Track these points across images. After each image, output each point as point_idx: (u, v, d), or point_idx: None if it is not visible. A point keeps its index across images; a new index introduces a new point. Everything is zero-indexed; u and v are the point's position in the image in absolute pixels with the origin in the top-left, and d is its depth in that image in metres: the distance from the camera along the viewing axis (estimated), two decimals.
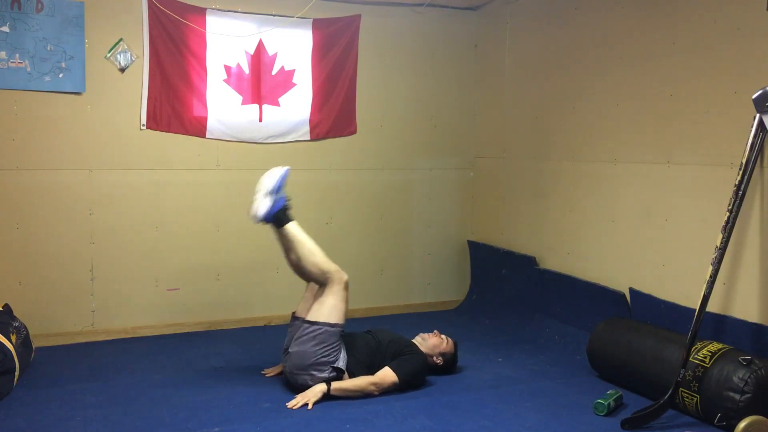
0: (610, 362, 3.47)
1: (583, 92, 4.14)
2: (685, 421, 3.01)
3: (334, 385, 3.22)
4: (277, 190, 3.37)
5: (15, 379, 3.32)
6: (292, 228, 3.39)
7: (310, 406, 3.12)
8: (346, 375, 3.30)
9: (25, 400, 3.19)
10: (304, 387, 3.26)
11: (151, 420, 2.99)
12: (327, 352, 3.25)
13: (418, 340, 3.59)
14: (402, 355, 3.40)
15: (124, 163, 4.30)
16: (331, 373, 3.26)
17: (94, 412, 3.08)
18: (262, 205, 3.33)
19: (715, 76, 3.28)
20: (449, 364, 3.63)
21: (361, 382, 3.26)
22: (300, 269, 3.46)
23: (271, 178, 3.38)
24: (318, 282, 3.40)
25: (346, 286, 3.36)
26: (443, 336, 3.66)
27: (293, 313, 3.48)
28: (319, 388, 3.19)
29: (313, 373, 3.24)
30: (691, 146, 3.42)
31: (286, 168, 3.43)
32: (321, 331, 3.26)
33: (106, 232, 4.28)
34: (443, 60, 5.10)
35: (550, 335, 4.24)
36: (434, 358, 3.56)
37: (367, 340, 3.46)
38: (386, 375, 3.30)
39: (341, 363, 3.29)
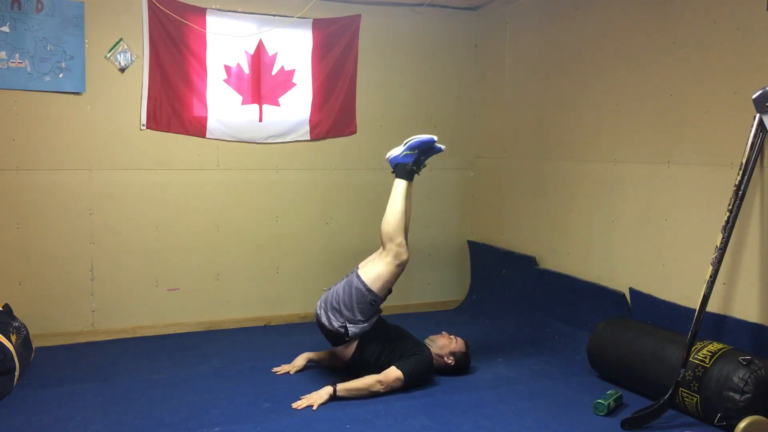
0: (610, 362, 3.47)
1: (583, 92, 4.14)
2: (685, 421, 3.01)
3: (340, 386, 3.22)
4: (411, 147, 3.52)
5: (15, 379, 3.32)
6: (400, 184, 3.48)
7: (314, 408, 3.12)
8: (353, 346, 3.35)
9: (25, 400, 3.20)
10: (320, 326, 3.40)
11: (151, 420, 2.99)
12: (351, 308, 3.31)
13: (427, 342, 3.60)
14: (409, 354, 3.41)
15: (124, 163, 4.30)
16: (340, 327, 3.32)
17: (94, 412, 3.08)
18: (396, 150, 3.55)
19: (715, 76, 3.28)
20: (461, 364, 3.62)
21: (367, 380, 3.28)
22: (383, 220, 3.51)
23: (425, 136, 3.54)
24: (382, 241, 3.44)
25: (401, 264, 3.38)
26: (452, 336, 3.66)
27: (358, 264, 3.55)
28: (325, 391, 3.20)
29: (329, 314, 3.35)
30: (691, 146, 3.42)
31: (432, 136, 3.56)
32: (359, 288, 3.33)
33: (106, 232, 4.28)
34: (443, 60, 5.10)
35: (550, 335, 4.24)
36: (445, 359, 3.56)
37: (389, 336, 3.48)
38: (391, 372, 3.31)
39: (354, 329, 3.33)
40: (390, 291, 3.44)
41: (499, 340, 4.32)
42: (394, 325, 3.62)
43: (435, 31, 5.04)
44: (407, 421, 3.02)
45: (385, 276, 3.35)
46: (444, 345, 3.59)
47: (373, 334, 3.41)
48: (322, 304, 3.41)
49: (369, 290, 3.32)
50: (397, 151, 3.55)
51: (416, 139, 3.54)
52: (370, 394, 3.25)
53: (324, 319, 3.36)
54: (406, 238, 3.43)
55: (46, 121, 4.09)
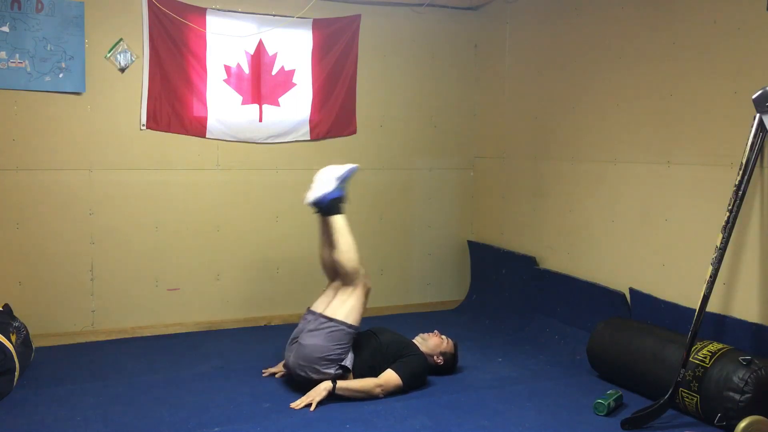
0: (610, 362, 3.47)
1: (583, 92, 4.14)
2: (685, 421, 3.01)
3: (340, 383, 3.21)
4: (339, 182, 3.46)
5: (15, 379, 3.32)
6: (341, 219, 3.44)
7: (313, 407, 3.12)
8: (350, 375, 3.31)
9: (25, 400, 3.19)
10: (305, 381, 3.26)
11: (151, 420, 2.99)
12: (336, 350, 3.25)
13: (418, 340, 3.60)
14: (403, 356, 3.40)
15: (124, 163, 4.30)
16: (337, 370, 3.26)
17: (94, 412, 3.08)
18: (325, 186, 3.42)
19: (715, 76, 3.28)
20: (450, 364, 3.63)
21: (367, 383, 3.26)
22: (331, 264, 3.49)
23: (337, 169, 3.48)
24: (344, 279, 3.41)
25: (368, 293, 3.41)
26: (443, 336, 3.66)
27: (308, 308, 3.48)
28: (324, 386, 3.18)
29: (318, 368, 3.24)
30: (691, 146, 3.42)
31: (355, 165, 3.53)
32: (337, 329, 3.27)
33: (106, 232, 4.28)
34: (443, 60, 5.10)
35: (550, 335, 4.24)
36: (435, 358, 3.56)
37: (368, 339, 3.46)
38: (390, 377, 3.30)
39: (348, 362, 3.29)
40: None
41: (499, 340, 4.32)
42: (365, 331, 3.56)
43: (435, 31, 5.04)
44: (407, 421, 3.02)
45: (358, 307, 3.35)
46: (436, 345, 3.59)
47: (359, 349, 3.39)
48: (301, 365, 3.26)
49: (350, 326, 3.30)
50: (326, 188, 3.42)
51: (345, 171, 3.48)
52: (368, 397, 3.24)
53: (316, 376, 3.24)
54: None
55: (46, 121, 4.09)
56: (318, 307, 3.42)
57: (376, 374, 3.32)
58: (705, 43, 3.33)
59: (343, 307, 3.33)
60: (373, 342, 3.44)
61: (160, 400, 3.22)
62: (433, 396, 3.33)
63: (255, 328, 4.59)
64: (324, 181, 3.45)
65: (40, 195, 4.12)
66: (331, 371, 3.25)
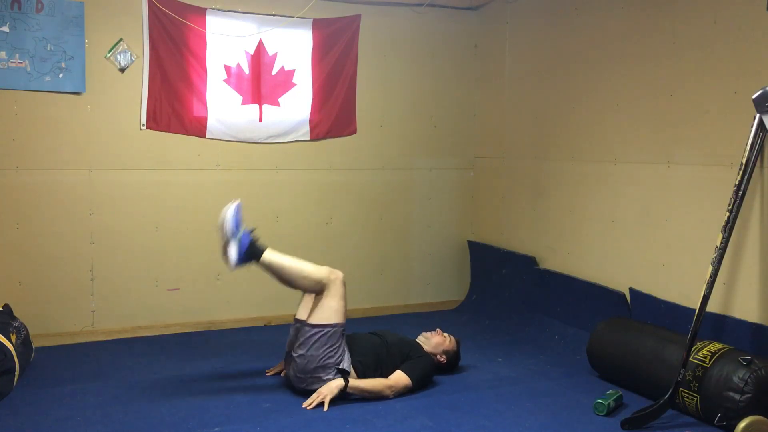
0: (610, 362, 3.47)
1: (583, 92, 4.14)
2: (685, 421, 3.01)
3: (352, 382, 3.20)
4: (235, 231, 3.21)
5: (15, 379, 3.32)
6: (270, 256, 3.28)
7: (326, 407, 3.11)
8: (353, 374, 3.30)
9: (25, 400, 3.19)
10: (308, 391, 3.24)
11: (151, 420, 2.99)
12: (331, 353, 3.24)
13: (421, 339, 3.60)
14: (410, 357, 3.41)
15: (124, 163, 4.30)
16: (336, 375, 3.24)
17: (94, 412, 3.08)
18: (231, 254, 3.19)
19: (715, 76, 3.28)
20: (453, 362, 3.64)
21: (378, 384, 3.26)
22: (295, 287, 3.41)
23: (226, 221, 3.21)
24: (316, 291, 3.35)
25: (343, 284, 3.34)
26: (446, 334, 3.66)
27: (294, 316, 3.45)
28: (336, 384, 3.17)
29: (319, 376, 3.23)
30: (691, 146, 3.42)
31: (236, 203, 3.27)
32: (323, 332, 3.25)
33: (106, 232, 4.28)
34: (443, 60, 5.10)
35: (550, 335, 4.23)
36: (438, 357, 3.56)
37: (372, 341, 3.46)
38: (400, 378, 3.30)
39: (345, 364, 3.28)
40: None
41: (499, 340, 4.32)
42: (367, 333, 3.56)
43: (435, 31, 5.04)
44: (407, 421, 3.02)
45: (339, 304, 3.27)
46: (439, 343, 3.59)
47: (358, 349, 3.37)
48: (300, 377, 3.25)
49: (334, 325, 3.26)
50: (233, 253, 3.19)
51: (230, 221, 3.21)
52: (377, 398, 3.24)
53: (317, 386, 3.22)
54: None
55: (46, 121, 4.09)
56: (302, 314, 3.36)
57: (382, 375, 3.32)
58: (705, 43, 3.33)
59: (324, 310, 3.28)
60: (376, 342, 3.44)
61: (160, 400, 3.22)
62: (433, 396, 3.33)
63: (255, 328, 4.59)
64: (229, 243, 3.21)
65: (40, 195, 4.12)
66: (330, 376, 3.24)
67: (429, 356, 3.49)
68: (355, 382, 3.22)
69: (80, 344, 4.15)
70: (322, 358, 3.22)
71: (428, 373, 3.43)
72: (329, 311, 3.28)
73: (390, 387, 3.27)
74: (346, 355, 3.31)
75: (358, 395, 3.22)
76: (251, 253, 3.25)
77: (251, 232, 3.29)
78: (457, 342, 3.68)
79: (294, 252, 4.70)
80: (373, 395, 3.23)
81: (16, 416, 3.01)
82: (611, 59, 3.91)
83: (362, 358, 3.34)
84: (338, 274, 3.33)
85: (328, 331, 3.25)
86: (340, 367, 3.25)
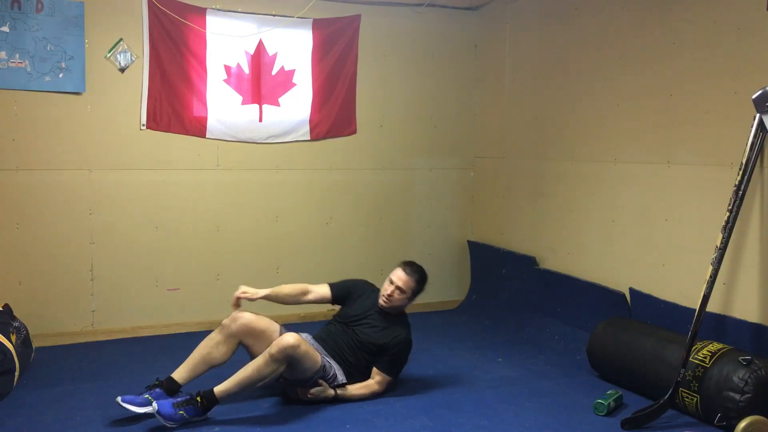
0: (610, 362, 3.47)
1: (583, 92, 4.14)
2: (685, 421, 3.01)
3: (341, 393, 3.21)
4: (176, 416, 2.89)
5: (15, 379, 3.32)
6: (222, 390, 2.96)
7: (316, 394, 3.13)
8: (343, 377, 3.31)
9: (25, 400, 3.19)
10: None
11: (151, 420, 2.98)
12: (320, 373, 3.17)
13: (382, 303, 3.39)
14: (388, 350, 3.30)
15: (124, 163, 4.30)
16: (338, 386, 3.25)
17: (94, 412, 3.08)
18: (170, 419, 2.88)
19: (715, 76, 3.28)
20: (416, 292, 3.43)
21: (364, 392, 3.27)
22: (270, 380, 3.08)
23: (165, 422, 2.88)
24: (287, 363, 3.02)
25: (295, 345, 2.95)
26: (393, 280, 3.39)
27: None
28: (330, 392, 3.19)
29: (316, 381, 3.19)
30: (691, 146, 3.42)
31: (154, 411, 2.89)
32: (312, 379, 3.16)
33: (106, 232, 4.28)
34: (443, 60, 5.10)
35: (550, 335, 4.24)
36: (384, 301, 3.37)
37: (344, 338, 3.34)
38: (383, 380, 3.31)
39: (340, 376, 3.27)
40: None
41: (499, 340, 4.32)
42: (329, 325, 3.46)
43: (435, 31, 5.04)
44: (407, 421, 3.02)
45: (308, 357, 3.04)
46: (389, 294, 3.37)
47: (337, 350, 3.31)
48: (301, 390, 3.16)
49: (316, 370, 3.12)
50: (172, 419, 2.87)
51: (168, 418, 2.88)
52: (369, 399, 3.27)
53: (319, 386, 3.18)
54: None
55: (46, 121, 4.09)
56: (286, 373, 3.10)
57: (358, 370, 3.31)
58: (705, 43, 3.33)
59: (299, 373, 3.07)
60: (350, 337, 3.33)
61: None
62: (433, 396, 3.33)
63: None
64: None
65: (40, 195, 4.12)
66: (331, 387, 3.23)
67: (403, 342, 3.33)
68: (344, 393, 3.21)
69: (80, 344, 4.15)
70: (311, 377, 3.16)
71: (405, 360, 3.39)
72: (304, 371, 3.08)
73: (377, 392, 3.29)
74: (336, 367, 3.27)
75: (347, 400, 3.23)
76: (199, 414, 2.94)
77: (187, 400, 2.94)
78: (418, 275, 3.41)
79: (293, 251, 4.75)
80: (362, 399, 3.26)
81: (16, 416, 3.01)
82: (611, 59, 3.91)
83: (342, 357, 3.31)
84: (284, 344, 2.95)
85: (312, 376, 3.14)
86: (339, 382, 3.24)
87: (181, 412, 2.88)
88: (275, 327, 3.34)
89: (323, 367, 3.17)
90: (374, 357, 3.34)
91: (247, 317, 3.27)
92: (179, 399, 2.94)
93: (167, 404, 2.88)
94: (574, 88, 4.20)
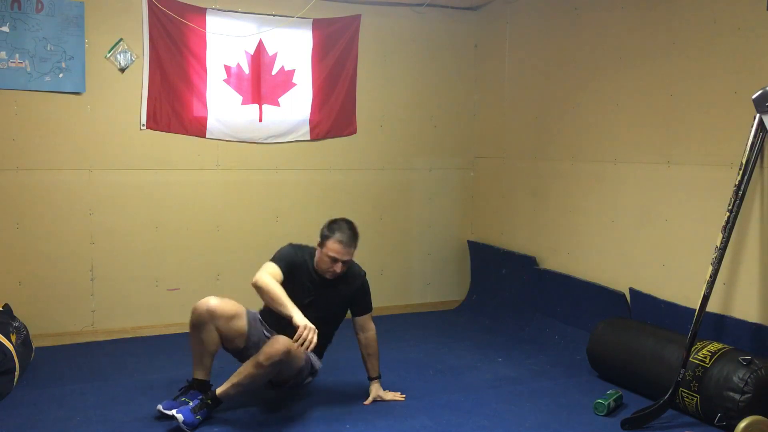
0: (610, 362, 3.47)
1: (583, 92, 4.14)
2: (685, 421, 3.01)
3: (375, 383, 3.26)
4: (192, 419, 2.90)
5: (15, 379, 3.32)
6: (225, 393, 2.97)
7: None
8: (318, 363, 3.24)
9: (25, 400, 3.19)
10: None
11: (151, 420, 2.99)
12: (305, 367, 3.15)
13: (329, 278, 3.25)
14: (358, 298, 3.27)
15: (124, 163, 4.30)
16: (313, 373, 3.24)
17: (94, 412, 3.08)
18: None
19: (715, 76, 3.28)
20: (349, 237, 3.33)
21: (375, 348, 3.24)
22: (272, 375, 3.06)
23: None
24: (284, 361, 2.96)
25: (285, 351, 2.89)
26: (336, 257, 3.25)
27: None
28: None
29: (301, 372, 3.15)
30: (691, 146, 3.42)
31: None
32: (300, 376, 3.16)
33: (106, 232, 4.28)
34: (443, 60, 5.10)
35: (550, 335, 4.24)
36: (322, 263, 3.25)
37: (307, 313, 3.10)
38: (370, 317, 3.28)
39: (316, 361, 3.22)
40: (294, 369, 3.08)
41: (499, 340, 4.32)
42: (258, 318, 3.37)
43: (435, 31, 5.04)
44: (407, 421, 3.02)
45: (294, 361, 3.00)
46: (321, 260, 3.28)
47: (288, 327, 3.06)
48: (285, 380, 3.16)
49: (303, 365, 3.10)
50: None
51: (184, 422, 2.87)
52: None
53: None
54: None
55: (46, 121, 4.09)
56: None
57: (327, 328, 3.18)
58: (705, 43, 3.33)
59: (286, 370, 3.04)
60: (311, 314, 3.05)
61: (160, 400, 3.21)
62: (433, 396, 3.33)
63: None
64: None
65: (40, 195, 4.12)
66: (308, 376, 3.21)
67: (363, 278, 3.35)
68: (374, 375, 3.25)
69: (80, 344, 4.15)
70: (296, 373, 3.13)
71: (368, 291, 3.35)
72: (291, 369, 3.05)
73: (374, 333, 3.25)
74: (314, 358, 3.21)
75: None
76: (208, 412, 2.98)
77: (201, 402, 2.96)
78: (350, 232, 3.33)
79: None
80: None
81: (16, 416, 3.01)
82: (611, 59, 3.91)
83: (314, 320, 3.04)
84: (272, 353, 2.89)
85: (300, 373, 3.13)
86: (314, 369, 3.22)
87: (198, 416, 2.92)
88: (241, 310, 3.30)
89: (309, 361, 3.15)
90: (345, 310, 3.28)
91: (212, 304, 3.21)
92: (194, 404, 2.95)
93: (187, 411, 2.90)
94: (574, 88, 4.20)
